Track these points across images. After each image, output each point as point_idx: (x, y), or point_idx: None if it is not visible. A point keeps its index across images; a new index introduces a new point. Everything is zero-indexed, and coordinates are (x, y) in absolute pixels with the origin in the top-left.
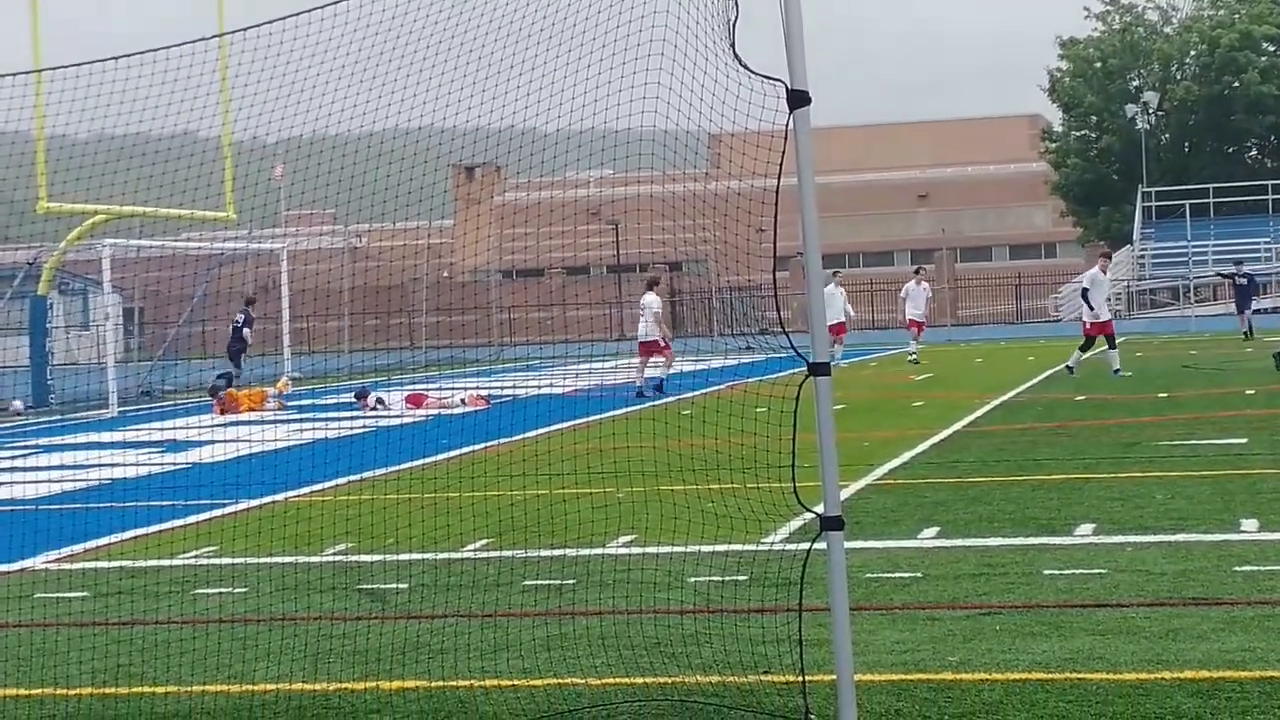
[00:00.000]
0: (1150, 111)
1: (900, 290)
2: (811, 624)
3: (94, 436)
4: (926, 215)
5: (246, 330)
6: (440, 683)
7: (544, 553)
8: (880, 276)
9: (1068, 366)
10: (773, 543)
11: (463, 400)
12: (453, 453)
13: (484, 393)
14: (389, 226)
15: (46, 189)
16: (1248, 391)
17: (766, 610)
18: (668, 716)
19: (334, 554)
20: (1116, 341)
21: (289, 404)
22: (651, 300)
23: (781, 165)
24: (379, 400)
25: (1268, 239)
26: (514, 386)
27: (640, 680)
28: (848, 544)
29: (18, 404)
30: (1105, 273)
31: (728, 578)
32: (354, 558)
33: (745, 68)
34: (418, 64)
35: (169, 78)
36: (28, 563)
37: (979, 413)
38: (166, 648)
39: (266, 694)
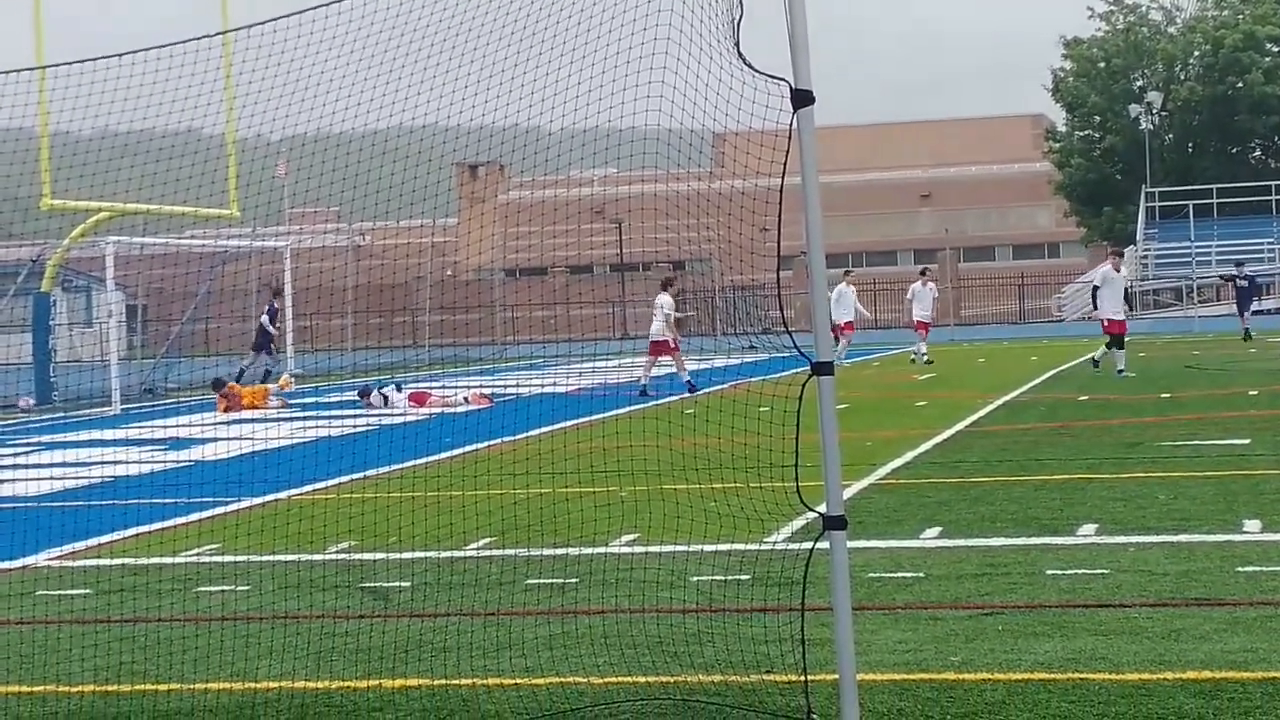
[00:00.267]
0: (1154, 112)
1: (907, 291)
2: (814, 623)
3: (96, 434)
4: (930, 215)
5: (265, 319)
6: (443, 681)
7: (547, 551)
8: (883, 276)
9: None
10: (775, 542)
11: (465, 399)
12: (456, 451)
13: (487, 391)
14: (393, 225)
15: (50, 186)
16: (1251, 392)
17: (769, 609)
18: (670, 715)
19: (337, 552)
20: (1124, 343)
21: (291, 402)
22: (665, 300)
23: (785, 164)
24: (384, 397)
25: (1271, 239)
26: (517, 385)
27: (643, 679)
28: (850, 543)
29: (25, 401)
30: (1118, 270)
31: (730, 577)
32: (357, 556)
33: (749, 67)
34: (422, 62)
35: (173, 75)
36: (30, 560)
37: (982, 413)
38: (169, 645)
39: (269, 692)
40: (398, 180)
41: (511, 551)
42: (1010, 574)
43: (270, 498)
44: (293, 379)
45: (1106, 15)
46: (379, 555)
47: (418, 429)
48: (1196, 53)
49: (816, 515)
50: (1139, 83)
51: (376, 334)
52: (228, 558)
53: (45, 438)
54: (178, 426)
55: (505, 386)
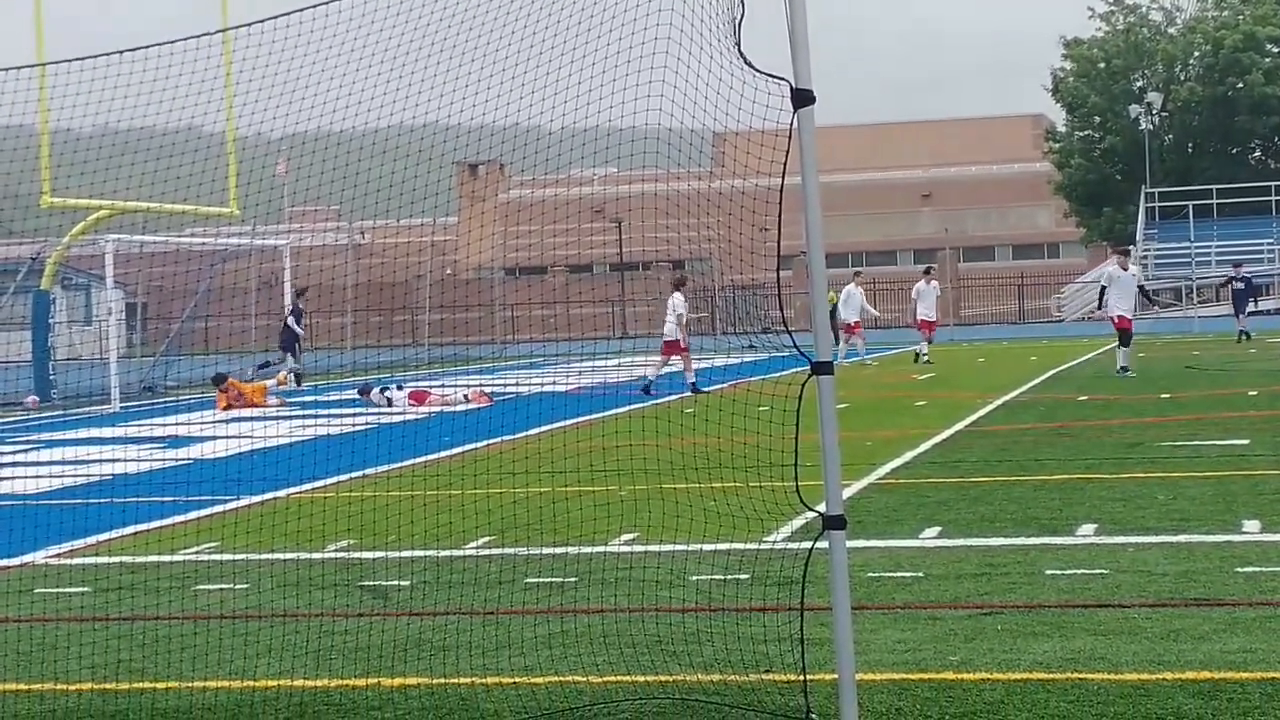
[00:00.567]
0: (1154, 112)
1: (912, 290)
2: (813, 623)
3: (95, 432)
4: (930, 215)
5: (291, 319)
6: (441, 680)
7: (546, 550)
8: (883, 276)
9: (1121, 367)
10: (775, 541)
11: (465, 397)
12: (455, 450)
13: (488, 390)
14: (393, 223)
15: (50, 183)
16: (1250, 393)
17: (768, 609)
18: (669, 715)
19: (336, 550)
20: (1129, 341)
21: (290, 400)
22: (677, 301)
23: (785, 164)
24: (387, 399)
25: (1271, 240)
26: (516, 384)
27: (641, 678)
28: (849, 543)
29: (32, 399)
30: (1125, 269)
31: (729, 576)
32: (356, 554)
33: (750, 66)
34: (422, 61)
35: (173, 72)
36: (29, 558)
37: (981, 413)
38: (167, 643)
39: (268, 690)
40: (398, 179)
41: (510, 550)
42: (1009, 574)
43: (269, 496)
44: (290, 375)
45: (1107, 15)
46: (378, 554)
47: (417, 428)
48: (1196, 53)
49: (816, 515)
50: (1139, 83)
51: (376, 332)
52: (226, 556)
53: (44, 435)
54: (177, 425)
55: (505, 385)
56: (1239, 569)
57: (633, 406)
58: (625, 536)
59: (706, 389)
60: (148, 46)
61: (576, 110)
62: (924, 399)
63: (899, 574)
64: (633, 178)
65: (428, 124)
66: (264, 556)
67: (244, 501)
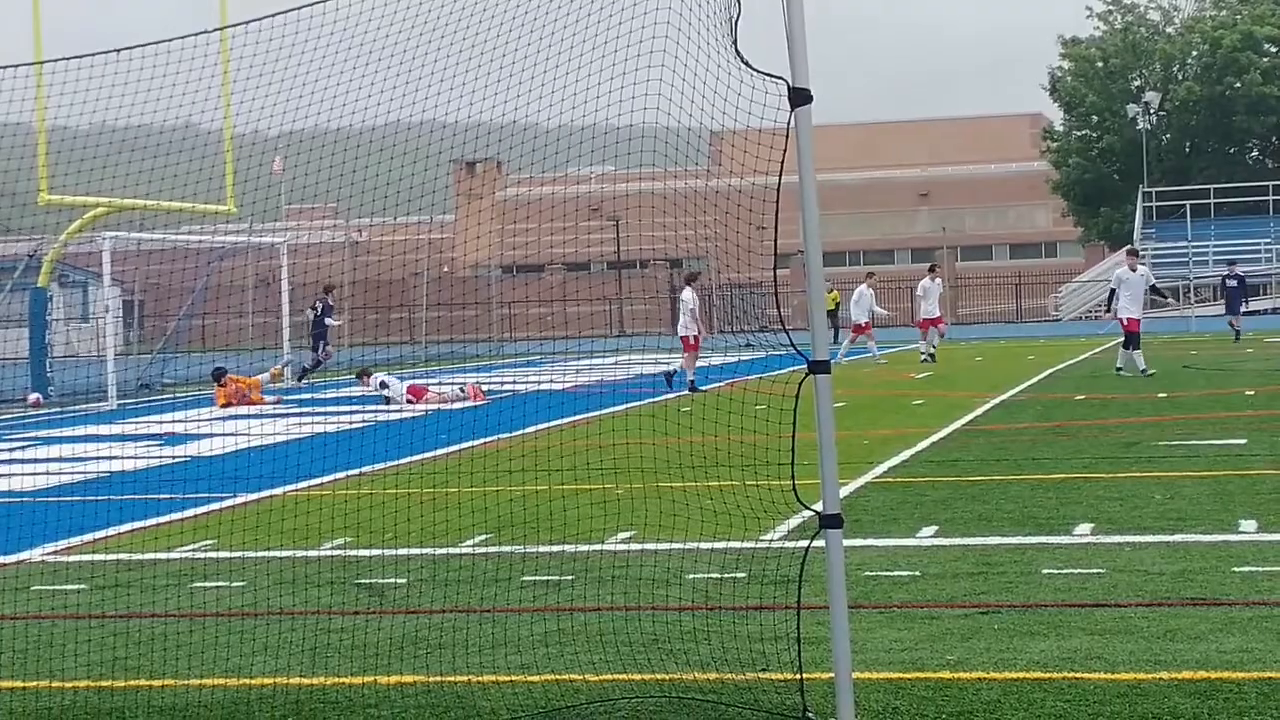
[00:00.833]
0: (1151, 111)
1: (917, 288)
2: (810, 622)
3: (93, 429)
4: (928, 214)
5: (328, 319)
6: (438, 678)
7: (542, 548)
8: (881, 275)
9: (1125, 369)
10: (771, 540)
11: (462, 389)
12: (452, 448)
13: (484, 386)
14: (390, 221)
15: (48, 181)
16: (1247, 392)
17: (765, 608)
18: (665, 713)
19: (332, 548)
20: (1137, 344)
21: (286, 397)
22: (688, 296)
23: (783, 163)
24: (382, 383)
25: (1268, 239)
26: (513, 382)
27: (638, 676)
28: (846, 542)
29: (34, 397)
30: (1134, 270)
31: (726, 575)
32: (352, 552)
33: (747, 65)
34: (419, 59)
35: (170, 70)
36: (25, 555)
37: (978, 412)
38: (164, 641)
39: (264, 688)
40: (395, 177)
41: (507, 548)
42: (1006, 573)
43: (266, 494)
44: (285, 369)
45: (1105, 15)
46: (375, 552)
47: (413, 425)
48: (1194, 53)
49: (813, 513)
50: (1137, 82)
51: (373, 330)
52: (223, 553)
53: (41, 433)
54: (174, 422)
55: (501, 383)
56: (1235, 569)
57: (630, 405)
58: (622, 535)
59: (704, 388)
60: (145, 45)
61: (574, 108)
62: (921, 398)
63: (896, 573)
64: (630, 176)
65: (425, 122)
66: (261, 554)
67: (241, 499)
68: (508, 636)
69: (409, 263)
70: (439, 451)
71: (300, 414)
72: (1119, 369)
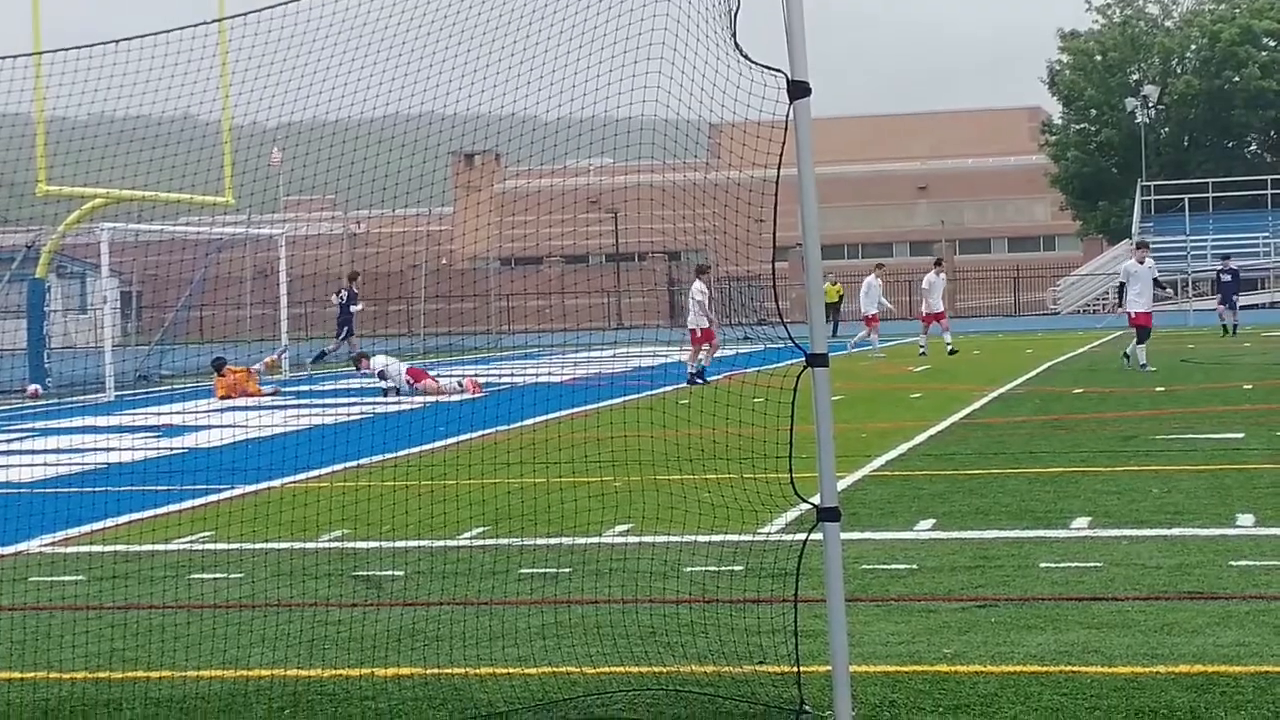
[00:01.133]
0: (1150, 105)
1: (922, 282)
2: (807, 615)
3: (91, 420)
4: (926, 207)
5: (353, 306)
6: (435, 670)
7: (540, 541)
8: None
9: (1141, 365)
10: (769, 533)
11: (459, 383)
12: (450, 440)
13: (481, 380)
14: (388, 213)
15: (46, 172)
16: (1245, 386)
17: (762, 601)
18: (662, 705)
19: (330, 540)
20: (1146, 338)
21: (284, 389)
22: (697, 287)
23: (781, 156)
24: (381, 373)
25: (1266, 234)
26: (511, 374)
27: (635, 669)
28: (844, 535)
29: (33, 388)
30: (1143, 263)
31: (724, 568)
32: (350, 544)
33: (746, 58)
34: (418, 51)
35: (169, 61)
36: (23, 546)
37: (976, 405)
38: (162, 632)
39: (261, 679)
40: (393, 169)
41: (505, 541)
42: (1003, 567)
43: (263, 485)
44: (280, 358)
45: (1103, 9)
46: (372, 544)
47: (411, 417)
48: (1193, 47)
49: (810, 507)
50: (1135, 76)
51: (371, 322)
52: (221, 545)
53: (39, 424)
54: (172, 413)
55: (499, 376)
56: (1233, 562)
57: (628, 398)
58: (620, 528)
59: (702, 381)
60: (143, 36)
61: (573, 101)
62: (919, 391)
63: (893, 566)
64: (629, 169)
65: (423, 114)
66: (258, 546)
67: (239, 491)
68: (505, 629)
69: (407, 255)
70: (437, 444)
71: (298, 406)
72: (1125, 355)
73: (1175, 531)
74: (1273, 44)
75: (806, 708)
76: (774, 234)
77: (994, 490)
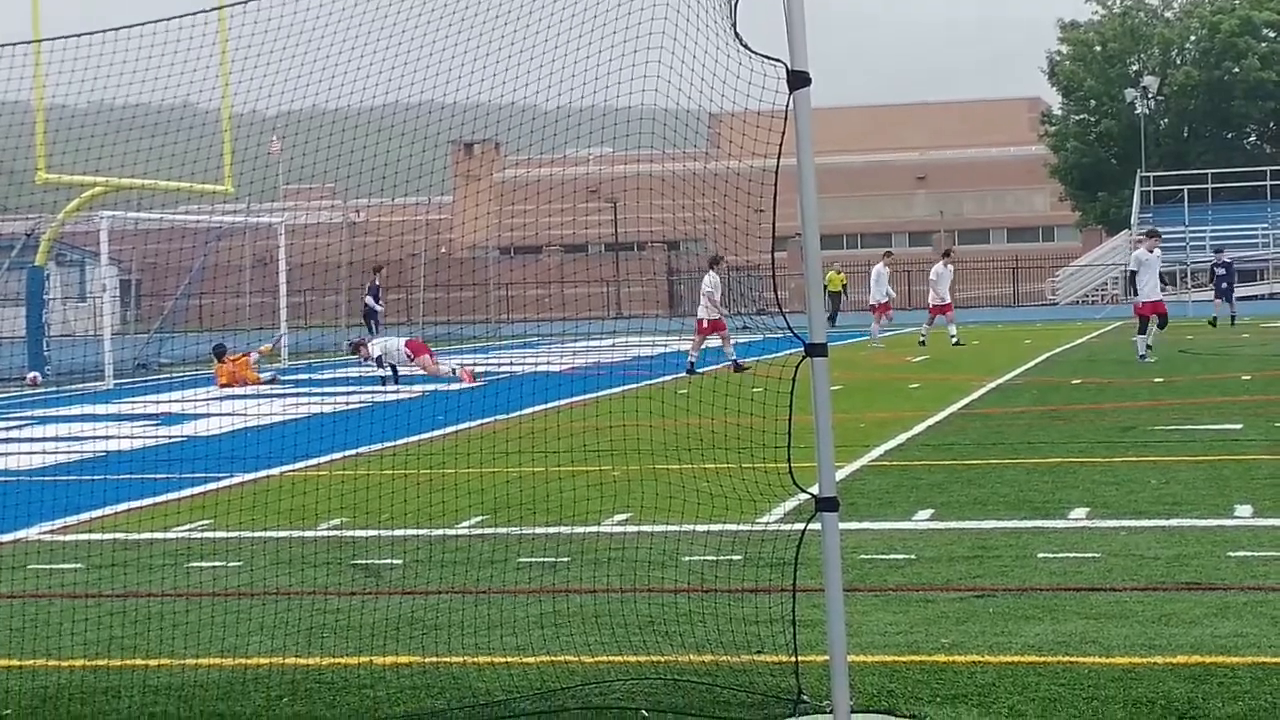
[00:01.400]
0: (1150, 96)
1: (930, 272)
2: (805, 605)
3: (89, 409)
4: (925, 197)
5: (370, 297)
6: (434, 659)
7: (538, 530)
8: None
9: (1140, 356)
10: (767, 523)
11: (454, 370)
12: (448, 429)
13: (478, 370)
14: (388, 202)
15: (45, 160)
16: (1244, 377)
17: (760, 590)
18: (660, 695)
19: (329, 529)
20: (1166, 323)
21: (283, 378)
22: (709, 279)
23: (781, 146)
24: (379, 359)
25: (1265, 225)
26: (510, 364)
27: (633, 658)
28: (842, 525)
29: (33, 376)
30: (1152, 252)
31: (722, 557)
32: (349, 533)
33: (746, 48)
34: (418, 39)
35: (169, 49)
36: (22, 534)
37: (975, 395)
38: (160, 620)
39: (260, 668)
40: (393, 157)
41: (503, 530)
42: (1001, 557)
43: (262, 474)
44: (277, 346)
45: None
46: (371, 532)
47: (410, 406)
48: (1193, 37)
49: (809, 496)
50: (1135, 67)
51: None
52: (219, 533)
53: (38, 412)
54: (170, 402)
55: (498, 365)
56: (1230, 553)
57: (627, 387)
58: (618, 517)
59: (702, 370)
60: (143, 24)
61: (572, 90)
62: (918, 381)
63: (891, 556)
64: (628, 158)
65: (423, 102)
66: (257, 534)
67: (237, 479)
68: (503, 618)
69: (407, 243)
70: (436, 433)
71: (297, 394)
72: (1141, 342)
73: (1173, 522)
74: (1272, 35)
75: (804, 697)
76: (773, 224)
77: (992, 480)
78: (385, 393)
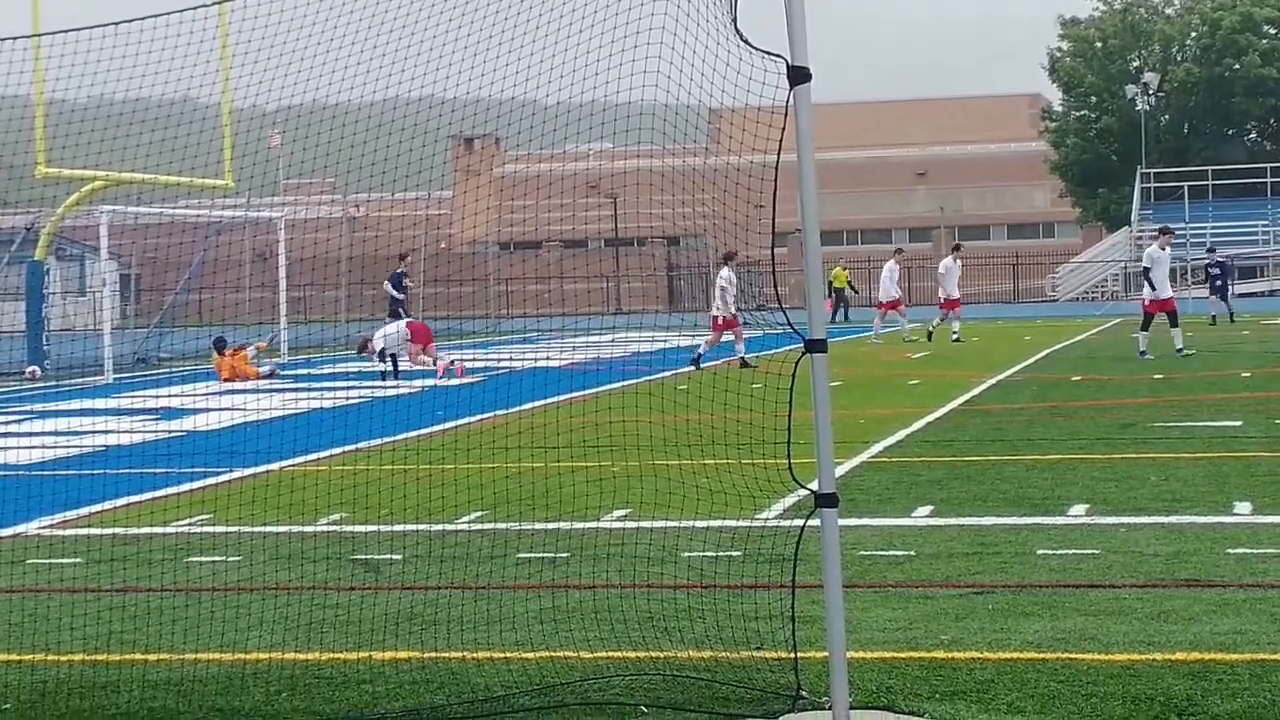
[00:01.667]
0: (1150, 92)
1: (939, 267)
2: (804, 601)
3: (89, 403)
4: (925, 193)
5: (388, 285)
6: (433, 654)
7: (538, 526)
8: (879, 254)
9: (1140, 352)
10: (767, 519)
11: (451, 362)
12: (448, 425)
13: (469, 365)
14: (388, 197)
15: (45, 154)
16: (1243, 374)
17: (760, 586)
18: (660, 690)
19: (328, 524)
20: (1179, 319)
21: (283, 372)
22: (724, 275)
23: (781, 141)
24: (382, 352)
25: (1265, 221)
26: (510, 359)
27: (633, 654)
28: (841, 521)
29: (32, 370)
30: (1164, 249)
31: (721, 553)
32: (348, 528)
33: (746, 43)
34: (418, 34)
35: (169, 44)
36: (21, 528)
37: (975, 391)
38: (159, 615)
39: (259, 663)
40: (393, 152)
41: (503, 525)
42: (1001, 553)
43: (262, 469)
44: (272, 342)
45: None
46: (370, 527)
47: (410, 402)
48: (1194, 34)
49: (808, 492)
50: (1136, 63)
51: (370, 306)
52: (219, 528)
53: (38, 406)
54: (170, 396)
55: (498, 360)
56: (1230, 550)
57: (626, 383)
58: (617, 512)
59: (704, 365)
60: (143, 18)
61: (573, 85)
62: (918, 377)
63: (891, 552)
64: (628, 154)
65: (423, 97)
66: (256, 529)
67: (237, 474)
68: (502, 613)
69: (406, 239)
70: (435, 428)
71: (297, 389)
72: (1180, 350)
73: (1173, 519)
74: (1273, 32)
75: (803, 693)
76: (773, 219)
77: (992, 477)
78: (385, 388)
